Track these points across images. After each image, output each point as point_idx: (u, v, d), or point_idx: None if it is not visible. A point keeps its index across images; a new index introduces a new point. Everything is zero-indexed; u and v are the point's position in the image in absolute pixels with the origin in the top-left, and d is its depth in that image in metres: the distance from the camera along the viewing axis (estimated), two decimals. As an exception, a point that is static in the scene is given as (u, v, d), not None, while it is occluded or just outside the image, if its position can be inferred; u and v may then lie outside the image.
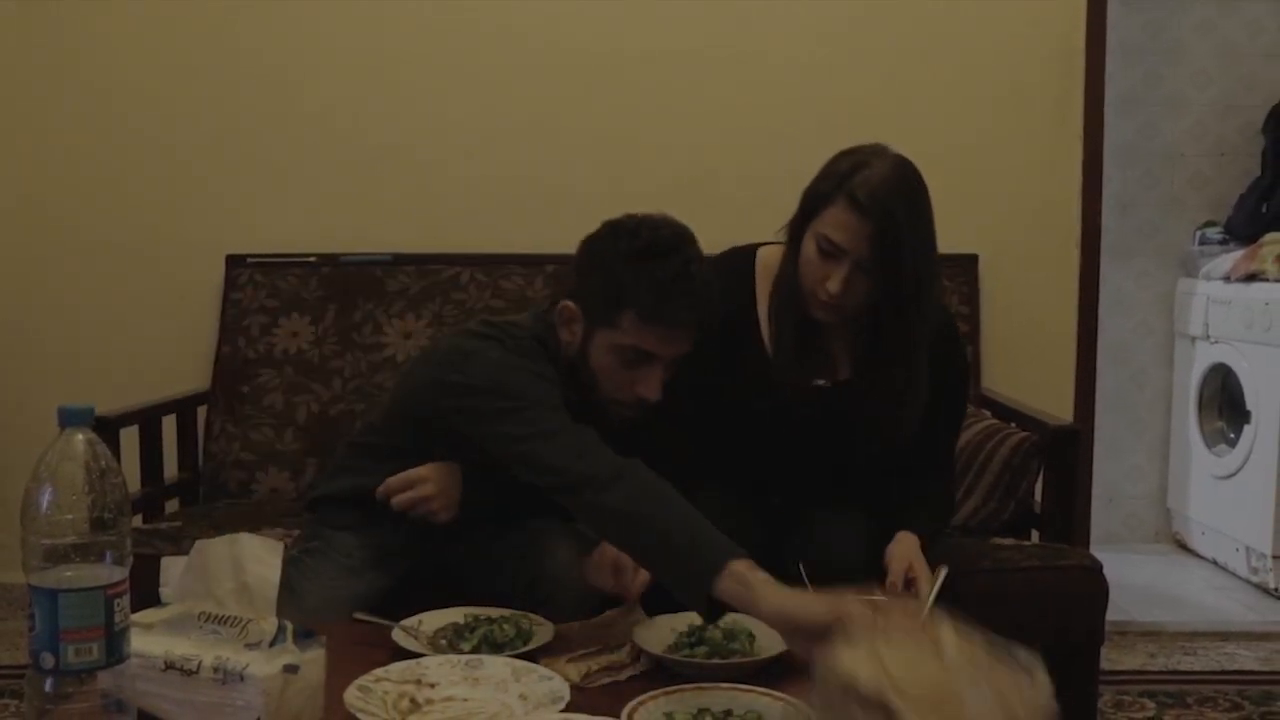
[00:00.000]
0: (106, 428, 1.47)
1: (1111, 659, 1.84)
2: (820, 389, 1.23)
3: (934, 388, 1.21)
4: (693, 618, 1.08)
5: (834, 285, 1.13)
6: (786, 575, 1.14)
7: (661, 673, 1.02)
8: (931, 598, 1.00)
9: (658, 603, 1.13)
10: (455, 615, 1.11)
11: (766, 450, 1.27)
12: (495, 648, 1.04)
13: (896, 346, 1.17)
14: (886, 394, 1.19)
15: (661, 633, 1.07)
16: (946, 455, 1.31)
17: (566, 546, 1.19)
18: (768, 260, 1.26)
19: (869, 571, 1.14)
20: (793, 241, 1.19)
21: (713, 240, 1.97)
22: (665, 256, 1.11)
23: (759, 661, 1.02)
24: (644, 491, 1.00)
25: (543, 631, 1.08)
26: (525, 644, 1.05)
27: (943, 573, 1.03)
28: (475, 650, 1.04)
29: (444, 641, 1.06)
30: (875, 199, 1.10)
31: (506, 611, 1.11)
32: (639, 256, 1.12)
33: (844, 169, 1.13)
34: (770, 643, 1.04)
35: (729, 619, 1.08)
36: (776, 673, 1.00)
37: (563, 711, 0.89)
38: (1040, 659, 0.81)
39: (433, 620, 1.10)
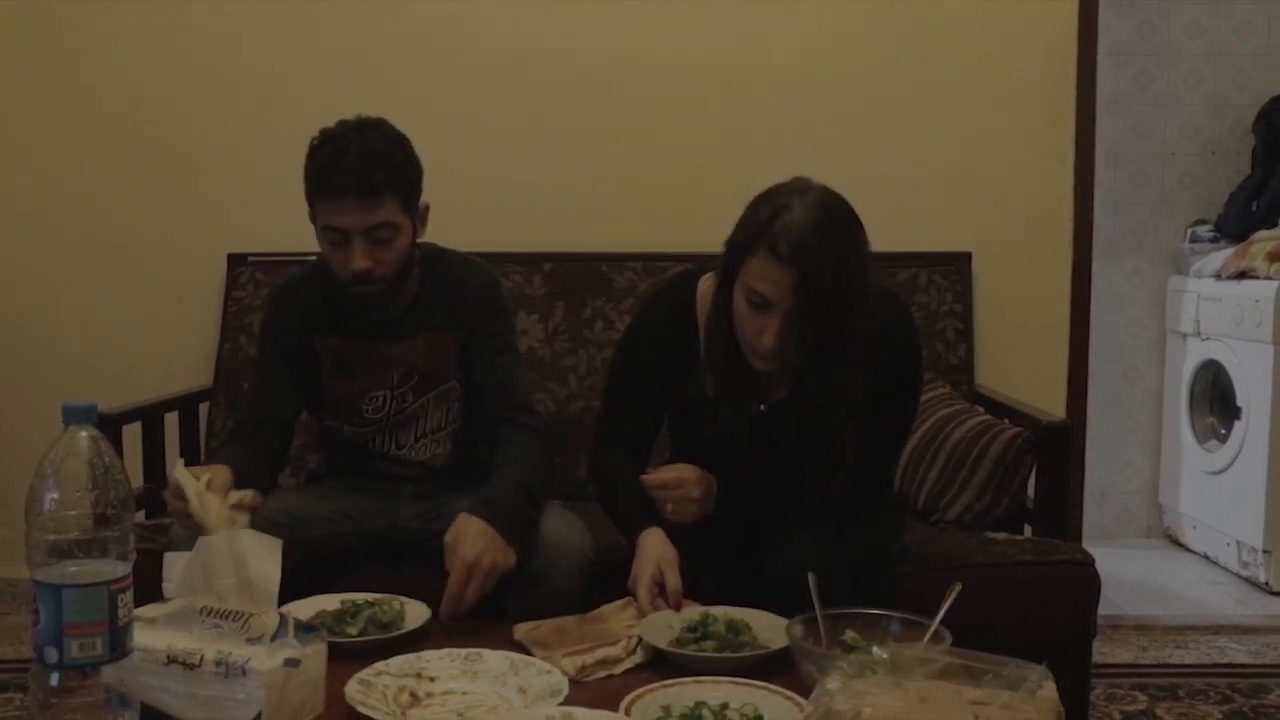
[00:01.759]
0: (109, 425, 1.49)
1: (1104, 652, 1.84)
2: (759, 413, 1.20)
3: (876, 393, 1.16)
4: (692, 613, 1.10)
5: (769, 339, 1.09)
6: (739, 591, 1.14)
7: (659, 666, 1.02)
8: (940, 615, 0.99)
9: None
10: (325, 602, 1.13)
11: (719, 471, 1.25)
12: (382, 628, 1.08)
13: (829, 372, 1.13)
14: (822, 411, 1.15)
15: (661, 627, 1.08)
16: (872, 469, 1.23)
17: (561, 513, 1.25)
18: (707, 291, 1.22)
19: (822, 588, 1.07)
20: (722, 289, 1.15)
21: (710, 241, 1.99)
22: (321, 147, 1.25)
23: (763, 655, 1.02)
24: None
25: (417, 611, 1.12)
26: (402, 625, 1.09)
27: (955, 589, 1.02)
28: (363, 632, 1.07)
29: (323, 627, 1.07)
30: (796, 247, 1.05)
31: (380, 595, 1.14)
32: (308, 154, 1.27)
33: (763, 216, 1.09)
34: (771, 635, 1.05)
35: (721, 611, 1.10)
36: (773, 667, 1.01)
37: (561, 705, 0.90)
38: (1049, 673, 0.81)
39: (301, 609, 1.10)
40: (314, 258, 2.02)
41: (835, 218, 1.10)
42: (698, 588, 1.16)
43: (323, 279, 1.31)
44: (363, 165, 1.21)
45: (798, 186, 1.11)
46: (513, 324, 1.42)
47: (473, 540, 1.13)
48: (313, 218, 1.27)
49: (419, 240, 1.32)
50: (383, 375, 1.33)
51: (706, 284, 1.24)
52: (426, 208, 1.32)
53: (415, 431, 1.35)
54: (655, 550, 1.16)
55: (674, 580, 1.13)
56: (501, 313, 1.37)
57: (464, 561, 1.11)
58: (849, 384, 1.14)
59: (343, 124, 1.27)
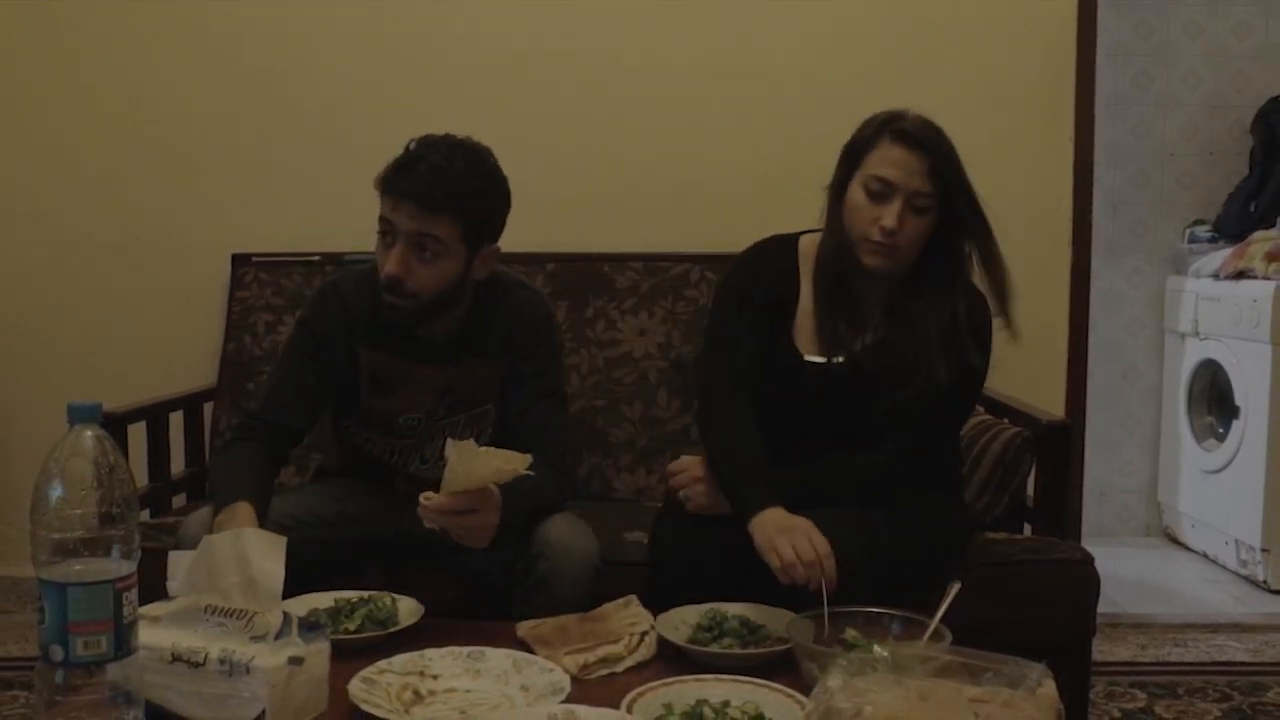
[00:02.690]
0: (114, 424, 1.48)
1: (1103, 650, 1.85)
2: (842, 366, 1.22)
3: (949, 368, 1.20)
4: (703, 611, 1.10)
5: (889, 220, 1.15)
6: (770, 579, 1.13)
7: (661, 664, 1.03)
8: (940, 614, 1.00)
9: (656, 597, 1.15)
10: (318, 600, 1.14)
11: (786, 426, 1.26)
12: (379, 625, 1.09)
13: (941, 282, 1.20)
14: (913, 347, 1.19)
15: (673, 624, 1.09)
16: (928, 446, 1.24)
17: (567, 518, 1.23)
18: (808, 248, 1.28)
19: (856, 576, 1.09)
20: (835, 200, 1.22)
21: (711, 240, 1.99)
22: (408, 146, 1.23)
23: (786, 648, 1.02)
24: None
25: (410, 607, 1.13)
26: (396, 624, 1.10)
27: (954, 589, 1.02)
28: (360, 629, 1.08)
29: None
30: (923, 130, 1.17)
31: (372, 592, 1.15)
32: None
33: (880, 118, 1.20)
34: (781, 630, 1.05)
35: (728, 608, 1.10)
36: (774, 666, 1.01)
37: (563, 703, 0.91)
38: (1049, 671, 0.81)
39: (293, 607, 1.07)
40: (315, 257, 2.06)
41: (942, 130, 1.21)
42: (715, 581, 1.16)
43: (375, 289, 1.26)
44: (430, 177, 1.18)
45: (904, 110, 1.22)
46: (560, 364, 1.36)
47: (488, 500, 1.11)
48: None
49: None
50: (420, 397, 1.30)
51: (809, 240, 1.29)
52: (495, 253, 1.26)
53: (439, 449, 1.29)
54: (811, 531, 1.09)
55: (831, 569, 1.08)
56: (547, 350, 1.31)
57: (474, 497, 1.09)
58: (932, 338, 1.19)
59: (444, 136, 1.23)
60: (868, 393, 1.21)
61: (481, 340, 1.29)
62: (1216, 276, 2.50)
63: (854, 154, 1.20)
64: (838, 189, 1.21)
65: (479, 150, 1.24)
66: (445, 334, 1.28)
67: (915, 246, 1.19)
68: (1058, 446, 1.50)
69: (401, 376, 1.30)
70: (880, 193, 1.16)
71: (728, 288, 1.33)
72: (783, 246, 1.30)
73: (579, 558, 1.19)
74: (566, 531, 1.22)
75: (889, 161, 1.16)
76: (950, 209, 1.19)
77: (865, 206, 1.18)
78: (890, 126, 1.18)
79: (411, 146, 1.22)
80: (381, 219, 1.22)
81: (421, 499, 1.11)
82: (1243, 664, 1.89)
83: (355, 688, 0.93)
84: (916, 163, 1.15)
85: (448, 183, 1.19)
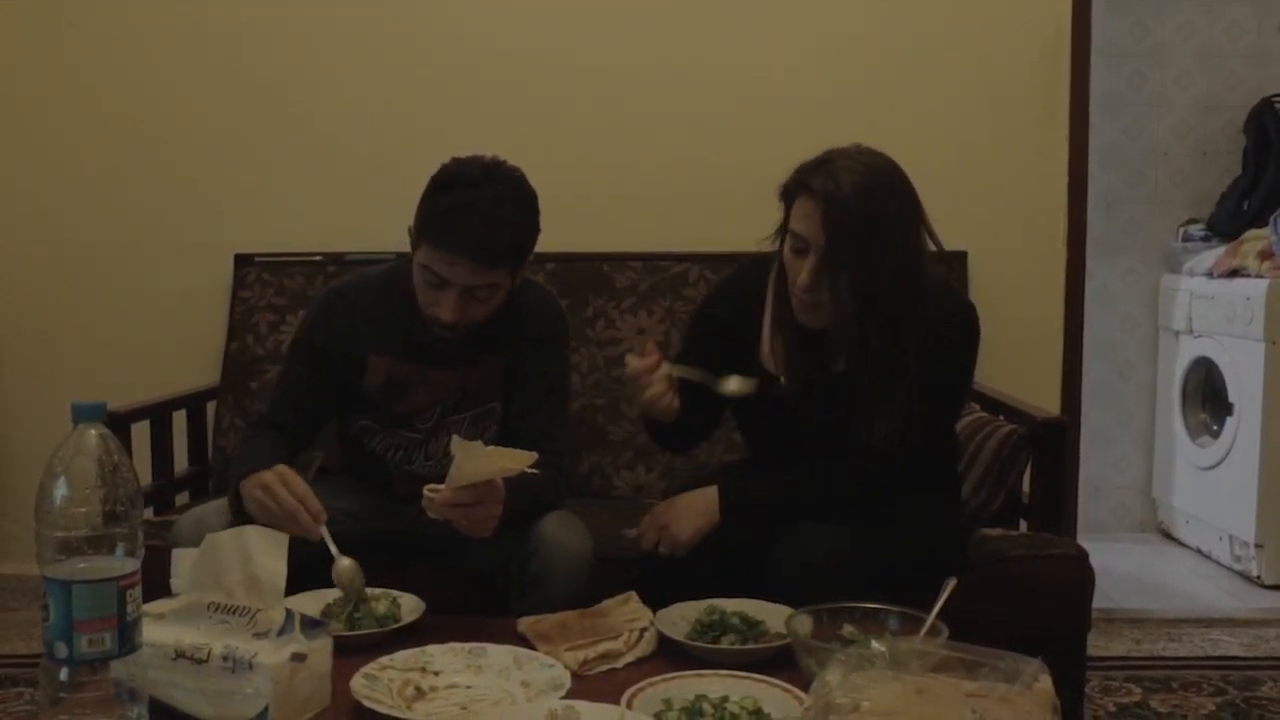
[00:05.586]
0: (118, 423, 1.49)
1: (1098, 645, 1.87)
2: (820, 387, 1.20)
3: (925, 375, 1.17)
4: (702, 607, 1.11)
5: (803, 278, 1.11)
6: (767, 579, 1.16)
7: (661, 660, 1.04)
8: (936, 610, 1.00)
9: (656, 594, 1.16)
10: (322, 597, 1.14)
11: (761, 447, 1.28)
12: (380, 622, 1.10)
13: (881, 337, 1.13)
14: (876, 388, 1.16)
15: (673, 620, 1.10)
16: (912, 451, 1.18)
17: (561, 515, 1.24)
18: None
19: (854, 576, 1.11)
20: (780, 247, 1.18)
21: (711, 240, 1.99)
22: (451, 188, 1.16)
23: (785, 644, 1.03)
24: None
25: (411, 604, 1.14)
26: (397, 620, 1.11)
27: (950, 585, 1.03)
28: (363, 627, 1.09)
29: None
30: (828, 184, 1.08)
31: (375, 590, 1.16)
32: (432, 186, 1.19)
33: (811, 164, 1.12)
34: (780, 626, 1.06)
35: (727, 604, 1.11)
36: (773, 661, 1.02)
37: (563, 699, 0.91)
38: (1045, 666, 0.82)
39: (297, 604, 1.08)
40: (317, 257, 2.06)
41: (876, 172, 1.11)
42: (703, 581, 1.17)
43: (384, 295, 1.25)
44: (487, 231, 1.13)
45: (853, 148, 1.14)
46: (567, 361, 1.35)
47: (492, 492, 1.11)
48: (414, 245, 1.20)
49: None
50: (431, 398, 1.30)
51: None
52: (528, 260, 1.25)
53: (444, 447, 1.29)
54: None
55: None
56: (555, 348, 1.31)
57: (479, 490, 1.08)
58: (899, 357, 1.13)
59: (477, 167, 1.17)
60: (841, 411, 1.19)
61: (493, 340, 1.28)
62: (1210, 275, 2.52)
63: (785, 203, 1.14)
64: (780, 236, 1.16)
65: (516, 180, 1.20)
66: (458, 338, 1.27)
67: (845, 297, 1.11)
68: (1053, 443, 1.51)
69: (414, 380, 1.29)
70: (798, 248, 1.11)
71: (692, 316, 1.34)
72: (753, 273, 1.25)
73: (572, 554, 1.20)
74: (560, 529, 1.22)
75: (800, 215, 1.10)
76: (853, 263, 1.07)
77: (789, 260, 1.13)
78: (806, 177, 1.10)
79: (443, 185, 1.16)
80: (425, 267, 1.17)
81: (426, 490, 1.11)
82: (1237, 658, 1.90)
83: (357, 684, 0.94)
84: (817, 213, 1.08)
85: (503, 234, 1.15)
